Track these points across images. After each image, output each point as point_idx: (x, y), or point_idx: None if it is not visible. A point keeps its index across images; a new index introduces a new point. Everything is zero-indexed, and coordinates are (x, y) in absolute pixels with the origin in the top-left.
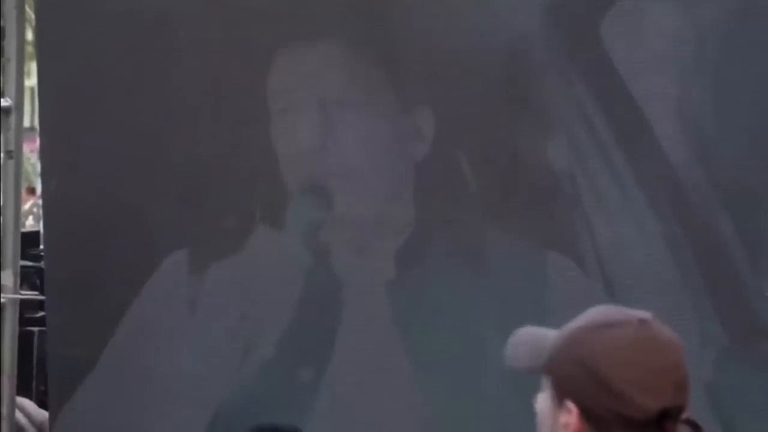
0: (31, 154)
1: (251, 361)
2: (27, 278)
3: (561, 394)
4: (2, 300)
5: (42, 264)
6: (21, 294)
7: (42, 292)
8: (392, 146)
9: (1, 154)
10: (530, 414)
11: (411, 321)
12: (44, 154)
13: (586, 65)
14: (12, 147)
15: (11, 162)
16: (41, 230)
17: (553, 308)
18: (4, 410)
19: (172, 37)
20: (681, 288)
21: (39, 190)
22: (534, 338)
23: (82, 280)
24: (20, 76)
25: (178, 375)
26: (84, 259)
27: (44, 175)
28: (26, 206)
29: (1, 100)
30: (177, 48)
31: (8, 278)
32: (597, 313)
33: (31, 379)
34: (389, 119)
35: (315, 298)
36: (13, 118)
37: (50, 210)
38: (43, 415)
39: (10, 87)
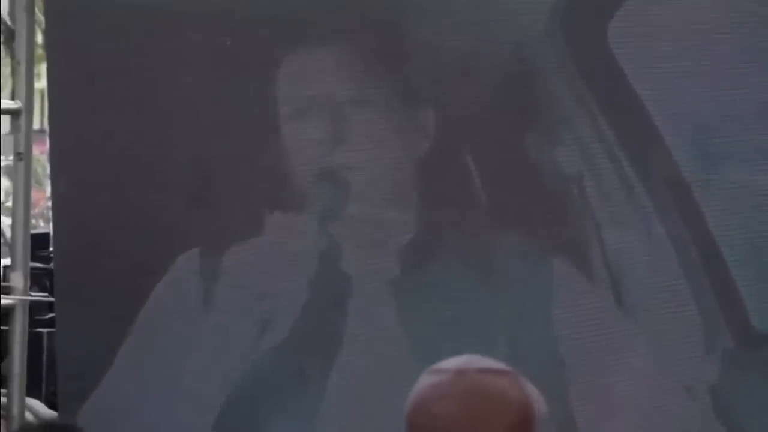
0: (41, 156)
1: (262, 352)
2: (37, 280)
3: None
4: (12, 301)
5: (51, 266)
6: (31, 296)
7: (51, 294)
8: (400, 148)
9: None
10: None
11: (415, 317)
12: (53, 156)
13: (592, 68)
14: (22, 149)
15: (21, 164)
16: (51, 232)
17: (557, 308)
18: (14, 411)
19: (179, 41)
20: (686, 290)
21: (48, 191)
22: None
23: (91, 281)
24: (30, 78)
25: (193, 370)
26: (93, 261)
27: (54, 177)
28: (35, 210)
29: (12, 102)
30: (184, 51)
31: (18, 280)
32: (452, 360)
33: (40, 381)
34: (397, 122)
35: (323, 294)
36: (23, 121)
37: (60, 212)
38: (52, 416)
39: (20, 89)
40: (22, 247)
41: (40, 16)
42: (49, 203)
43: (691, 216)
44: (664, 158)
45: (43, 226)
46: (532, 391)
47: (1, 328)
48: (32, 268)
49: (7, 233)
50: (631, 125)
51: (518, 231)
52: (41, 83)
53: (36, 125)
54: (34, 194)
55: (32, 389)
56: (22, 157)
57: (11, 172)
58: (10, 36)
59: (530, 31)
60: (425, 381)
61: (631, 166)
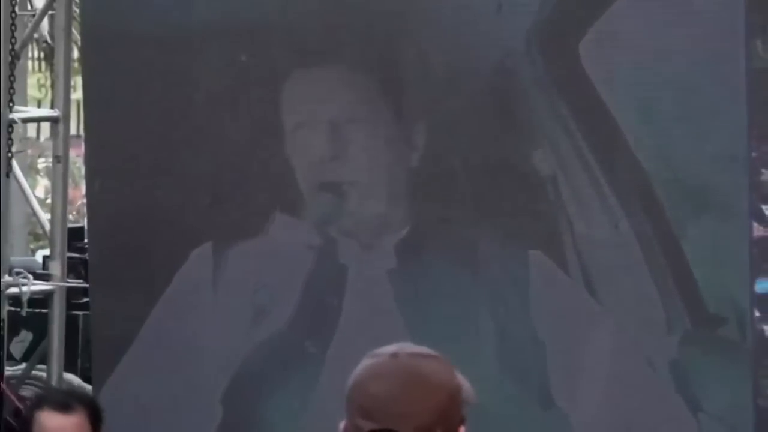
0: (77, 158)
1: (264, 333)
2: (73, 268)
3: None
4: (51, 287)
5: (86, 256)
6: (68, 282)
7: (86, 281)
8: (393, 154)
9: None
10: (522, 390)
11: (409, 306)
12: (89, 159)
13: (566, 81)
14: (60, 152)
15: (59, 166)
16: (85, 226)
17: (535, 293)
18: (54, 384)
19: (200, 57)
20: (650, 279)
21: (84, 190)
22: None
23: (121, 269)
24: (67, 89)
25: (204, 349)
26: (123, 251)
27: (88, 178)
28: (72, 206)
29: (51, 111)
30: (205, 66)
31: (56, 268)
32: (388, 346)
33: (76, 358)
34: (389, 132)
35: (323, 282)
36: (61, 127)
37: (94, 208)
38: (87, 389)
39: (59, 99)
40: (60, 239)
41: (76, 35)
42: (85, 201)
43: (652, 211)
44: (629, 160)
45: (78, 220)
46: (460, 377)
47: (42, 311)
48: (69, 258)
49: (47, 227)
50: (599, 131)
51: (501, 228)
52: (77, 94)
53: (72, 131)
54: (71, 193)
55: (69, 365)
56: (60, 159)
57: (50, 173)
58: (50, 52)
59: (511, 48)
60: (363, 363)
61: (600, 167)
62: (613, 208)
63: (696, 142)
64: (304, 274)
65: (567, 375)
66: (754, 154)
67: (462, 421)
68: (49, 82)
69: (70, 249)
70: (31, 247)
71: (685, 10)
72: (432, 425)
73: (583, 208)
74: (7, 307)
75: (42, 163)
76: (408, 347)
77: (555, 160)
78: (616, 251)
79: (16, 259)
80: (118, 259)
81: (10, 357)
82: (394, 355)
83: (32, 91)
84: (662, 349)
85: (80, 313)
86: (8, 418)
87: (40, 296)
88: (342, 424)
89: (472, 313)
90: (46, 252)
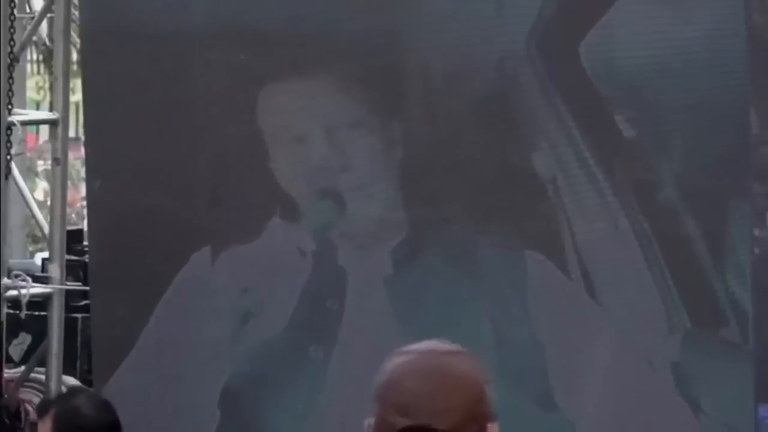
0: (76, 161)
1: (261, 336)
2: (72, 271)
3: None
4: (50, 290)
5: (85, 258)
6: (67, 285)
7: (85, 283)
8: (391, 157)
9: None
10: (522, 393)
11: (408, 309)
12: (89, 160)
13: (566, 82)
14: (59, 155)
15: (58, 168)
16: (85, 228)
17: (534, 295)
18: (52, 387)
19: (199, 60)
20: (650, 279)
21: (83, 192)
22: None
23: (121, 271)
24: (66, 92)
25: (204, 351)
26: (122, 254)
27: (89, 179)
28: (71, 208)
29: (50, 113)
30: (203, 69)
31: (55, 270)
32: (417, 344)
33: (75, 359)
34: (388, 135)
35: (322, 286)
36: (60, 130)
37: (94, 209)
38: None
39: (58, 102)
40: (58, 242)
41: (75, 37)
42: (84, 203)
43: (652, 213)
44: (628, 160)
45: (77, 223)
46: (487, 375)
47: (41, 313)
48: (68, 261)
49: (46, 229)
50: (599, 132)
51: (499, 228)
52: (76, 96)
53: (71, 134)
54: (70, 195)
55: (68, 368)
56: (59, 162)
57: (50, 176)
58: (49, 54)
59: (511, 50)
60: (394, 360)
61: (599, 169)
62: (612, 208)
63: (696, 143)
64: (304, 278)
65: (568, 377)
66: (754, 154)
67: (490, 418)
68: (47, 85)
69: (69, 252)
70: (30, 249)
71: (685, 11)
72: (466, 422)
73: (582, 209)
74: (6, 310)
75: (41, 166)
76: (437, 344)
77: (555, 161)
78: (615, 252)
79: (15, 261)
80: (118, 261)
81: (9, 360)
82: (426, 353)
83: (31, 94)
84: (663, 351)
85: (79, 315)
86: (6, 419)
87: (39, 299)
88: (367, 423)
89: (472, 316)
90: (45, 255)
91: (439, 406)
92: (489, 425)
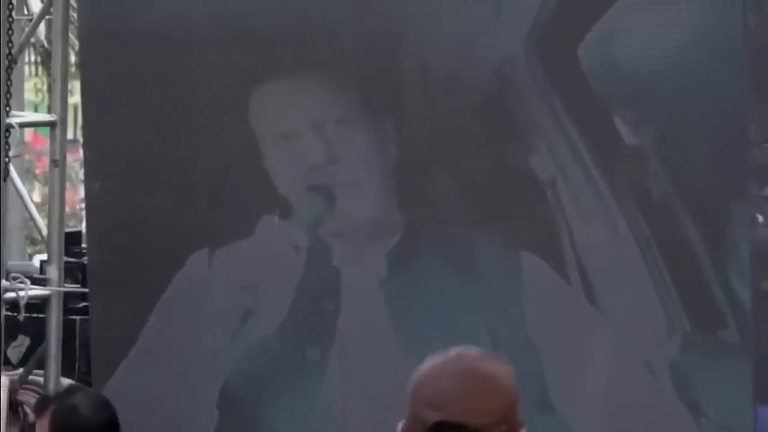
0: (74, 163)
1: (258, 336)
2: (70, 273)
3: None
4: (48, 292)
5: (84, 260)
6: (65, 287)
7: (84, 285)
8: (388, 158)
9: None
10: (521, 396)
11: (403, 311)
12: (88, 161)
13: (565, 84)
14: (57, 157)
15: (56, 170)
16: (83, 230)
17: (532, 298)
18: (51, 388)
19: (197, 61)
20: (649, 281)
21: (82, 194)
22: None
23: (119, 272)
24: (64, 93)
25: (203, 352)
26: (122, 255)
27: (87, 182)
28: (70, 210)
29: (48, 115)
30: (204, 70)
31: (54, 272)
32: (454, 349)
33: (74, 361)
34: (385, 135)
35: (317, 286)
36: (58, 131)
37: (93, 210)
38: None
39: (56, 104)
40: (57, 244)
41: (73, 39)
42: (83, 204)
43: (651, 213)
44: (628, 162)
45: (75, 225)
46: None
47: (39, 315)
48: (66, 263)
49: (44, 231)
50: (598, 134)
51: (498, 230)
52: (74, 98)
53: (70, 135)
54: (69, 196)
55: (66, 370)
56: (57, 163)
57: (48, 178)
58: (47, 56)
59: (509, 52)
60: (429, 362)
61: (598, 171)
62: (611, 210)
63: (695, 145)
64: (300, 276)
65: (566, 380)
66: (754, 155)
67: (521, 424)
68: (46, 87)
69: (68, 254)
70: (29, 251)
71: (683, 12)
72: (498, 423)
73: (581, 211)
74: (4, 312)
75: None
76: (471, 349)
77: (553, 164)
78: (614, 254)
79: (13, 263)
80: (118, 261)
81: (8, 362)
82: (460, 356)
83: (29, 96)
84: (662, 353)
85: (77, 317)
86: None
87: (38, 301)
88: (399, 426)
89: (468, 318)
90: (44, 257)
91: (473, 404)
92: (522, 431)
